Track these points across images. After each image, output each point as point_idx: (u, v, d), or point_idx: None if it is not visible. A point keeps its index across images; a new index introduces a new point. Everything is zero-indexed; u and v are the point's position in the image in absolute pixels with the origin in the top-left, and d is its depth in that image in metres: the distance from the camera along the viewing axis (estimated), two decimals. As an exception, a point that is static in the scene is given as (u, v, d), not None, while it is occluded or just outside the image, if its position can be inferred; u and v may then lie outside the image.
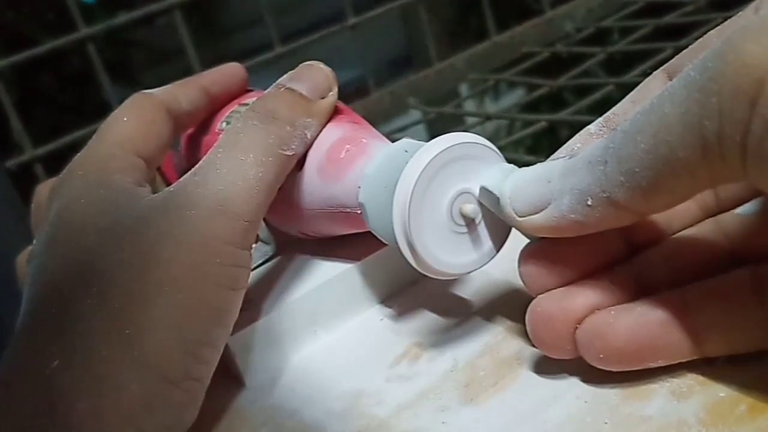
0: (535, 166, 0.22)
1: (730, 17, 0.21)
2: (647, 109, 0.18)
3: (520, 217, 0.21)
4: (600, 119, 0.23)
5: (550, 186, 0.21)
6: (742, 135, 0.16)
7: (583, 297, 0.21)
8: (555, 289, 0.22)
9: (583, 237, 0.22)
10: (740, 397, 0.20)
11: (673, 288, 0.21)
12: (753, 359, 0.20)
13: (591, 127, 0.23)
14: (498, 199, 0.22)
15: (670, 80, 0.22)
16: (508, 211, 0.22)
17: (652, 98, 0.18)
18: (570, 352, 0.22)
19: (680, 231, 0.23)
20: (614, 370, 0.21)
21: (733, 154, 0.16)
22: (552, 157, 0.23)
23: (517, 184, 0.22)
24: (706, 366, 0.21)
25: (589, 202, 0.19)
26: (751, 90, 0.16)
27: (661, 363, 0.21)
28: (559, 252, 0.22)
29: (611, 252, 0.22)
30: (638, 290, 0.22)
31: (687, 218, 0.23)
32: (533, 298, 0.22)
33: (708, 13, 0.76)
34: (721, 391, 0.20)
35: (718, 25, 0.22)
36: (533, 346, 0.23)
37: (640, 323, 0.21)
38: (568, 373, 0.23)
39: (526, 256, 0.23)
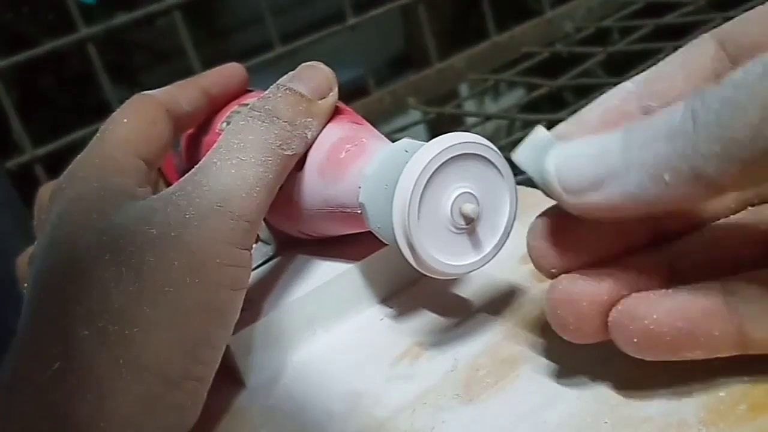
0: (582, 138, 0.20)
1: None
2: (761, 73, 0.15)
3: (571, 194, 0.19)
4: (639, 78, 0.21)
5: (609, 160, 0.18)
6: None
7: (611, 279, 0.20)
8: (565, 271, 0.21)
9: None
10: (740, 396, 0.20)
11: (710, 278, 0.20)
12: (753, 359, 0.20)
13: (628, 84, 0.21)
14: (541, 174, 0.20)
15: (722, 47, 0.20)
16: (555, 188, 0.20)
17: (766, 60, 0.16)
18: (590, 336, 0.20)
19: (712, 220, 0.22)
20: (646, 358, 0.20)
21: None
22: (584, 110, 0.22)
23: (566, 158, 0.20)
24: (707, 366, 0.21)
25: (667, 178, 0.17)
26: None
27: (699, 355, 0.19)
28: (576, 232, 0.21)
29: (632, 239, 0.21)
30: (670, 279, 0.21)
31: (720, 207, 0.22)
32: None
33: (708, 13, 0.76)
34: (721, 391, 0.20)
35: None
36: (533, 346, 0.23)
37: (682, 309, 0.19)
38: (569, 372, 0.23)
39: (538, 231, 0.21)
